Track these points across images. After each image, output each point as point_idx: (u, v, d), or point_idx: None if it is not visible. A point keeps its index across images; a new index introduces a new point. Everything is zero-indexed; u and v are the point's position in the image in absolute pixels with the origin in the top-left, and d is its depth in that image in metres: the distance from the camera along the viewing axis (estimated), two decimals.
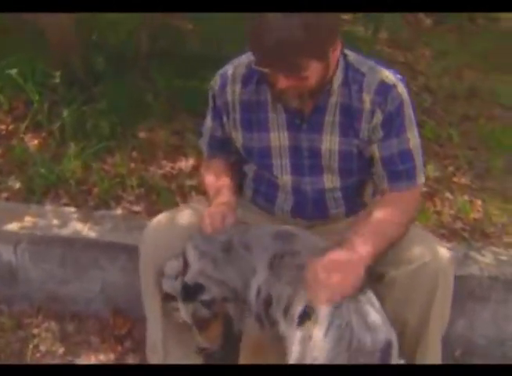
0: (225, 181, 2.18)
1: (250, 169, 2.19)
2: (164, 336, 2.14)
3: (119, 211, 2.79)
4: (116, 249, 2.54)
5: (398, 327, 1.86)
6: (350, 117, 2.01)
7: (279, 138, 2.07)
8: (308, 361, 1.69)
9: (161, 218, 2.15)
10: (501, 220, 2.85)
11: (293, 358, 1.74)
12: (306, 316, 1.76)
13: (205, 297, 1.91)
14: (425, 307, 1.97)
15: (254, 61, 1.88)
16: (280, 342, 1.86)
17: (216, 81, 2.11)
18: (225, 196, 2.11)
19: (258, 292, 1.91)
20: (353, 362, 1.67)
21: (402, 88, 2.00)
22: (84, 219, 2.62)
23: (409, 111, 2.02)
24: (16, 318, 2.54)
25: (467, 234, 2.74)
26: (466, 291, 2.41)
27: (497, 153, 3.41)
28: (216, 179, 2.19)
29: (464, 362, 2.44)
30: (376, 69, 2.01)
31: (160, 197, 2.87)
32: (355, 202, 2.18)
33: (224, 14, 3.65)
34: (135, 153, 3.17)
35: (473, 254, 2.50)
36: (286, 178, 2.10)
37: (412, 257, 1.95)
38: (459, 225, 2.78)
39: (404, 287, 1.96)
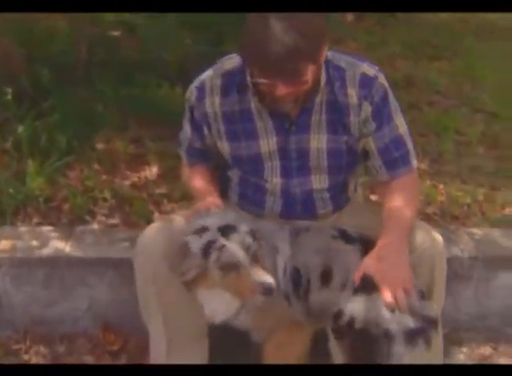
0: (210, 185, 2.20)
1: (234, 174, 2.21)
2: (167, 341, 2.12)
3: (95, 226, 2.72)
4: (102, 264, 2.50)
5: None
6: (337, 113, 2.06)
7: (268, 144, 2.09)
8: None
9: (155, 226, 2.15)
10: (466, 201, 2.97)
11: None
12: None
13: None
14: (427, 290, 2.05)
15: (254, 73, 1.88)
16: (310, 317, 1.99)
17: (192, 93, 2.11)
18: (213, 197, 2.12)
19: (285, 269, 1.98)
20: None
21: (382, 79, 2.07)
22: (64, 237, 2.56)
23: (392, 99, 2.10)
24: (3, 345, 2.45)
25: (439, 218, 2.84)
26: (450, 272, 2.50)
27: (445, 137, 3.55)
28: (201, 184, 2.20)
29: (451, 338, 2.52)
30: (354, 63, 2.07)
31: (134, 208, 2.83)
32: (341, 199, 2.25)
33: (159, 19, 3.66)
34: (97, 166, 3.10)
35: (452, 236, 2.60)
36: (275, 181, 2.13)
37: (415, 245, 2.03)
38: (430, 209, 2.88)
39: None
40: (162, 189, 3.00)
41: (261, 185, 2.15)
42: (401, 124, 2.11)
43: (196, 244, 1.87)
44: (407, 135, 2.13)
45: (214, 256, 1.85)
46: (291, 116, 2.05)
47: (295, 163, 2.11)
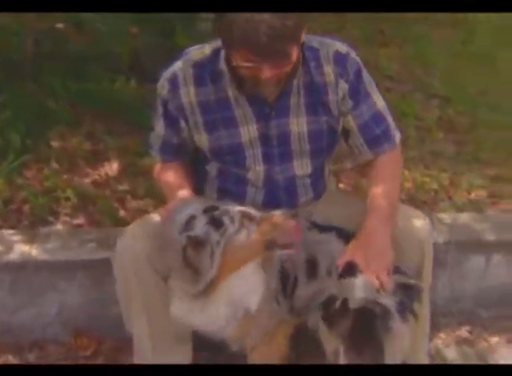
0: (184, 181, 2.12)
1: (213, 167, 2.14)
2: (152, 342, 2.06)
3: (59, 227, 2.62)
4: (71, 267, 2.40)
5: None
6: (315, 94, 2.03)
7: (248, 131, 2.03)
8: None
9: (135, 227, 2.09)
10: (432, 187, 2.99)
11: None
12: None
13: None
14: (416, 274, 2.06)
15: (238, 57, 1.82)
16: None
17: (164, 87, 2.03)
18: (186, 191, 2.06)
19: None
20: None
21: (354, 55, 2.05)
22: (28, 240, 2.44)
23: (366, 75, 2.07)
24: None
25: (408, 204, 2.84)
26: None
27: (406, 123, 3.56)
28: (175, 183, 2.12)
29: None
30: (326, 42, 2.05)
31: (98, 206, 2.73)
32: (320, 185, 2.22)
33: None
34: (55, 164, 2.98)
35: None
36: (258, 169, 2.07)
37: (402, 231, 2.02)
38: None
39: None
40: (125, 186, 2.91)
41: (242, 175, 2.09)
42: (378, 100, 2.09)
43: (194, 231, 1.79)
44: (386, 110, 2.11)
45: (226, 226, 1.80)
46: (270, 101, 2.00)
47: (276, 149, 2.07)
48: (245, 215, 1.82)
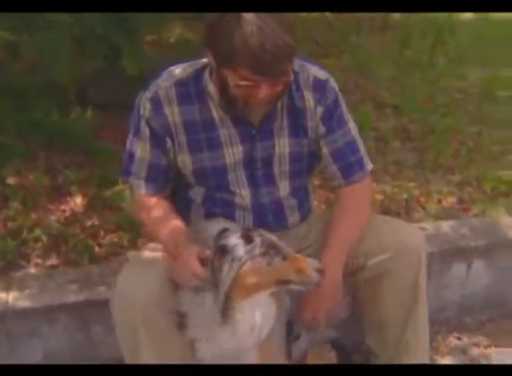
0: (176, 220, 2.00)
1: (197, 193, 2.06)
2: None
3: (32, 270, 2.49)
4: (53, 311, 2.28)
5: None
6: (297, 117, 2.00)
7: (233, 153, 1.99)
8: None
9: (138, 267, 1.97)
10: (403, 197, 3.01)
11: None
12: None
13: None
14: (415, 286, 2.11)
15: (242, 75, 1.75)
16: None
17: (146, 107, 1.95)
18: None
19: None
20: None
21: (333, 82, 2.04)
22: (4, 287, 2.30)
23: (343, 103, 2.07)
24: None
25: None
26: None
27: (363, 134, 3.56)
28: (165, 219, 2.00)
29: None
30: (305, 66, 2.02)
31: (70, 244, 2.62)
32: (306, 206, 2.19)
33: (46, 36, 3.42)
34: (16, 204, 2.84)
35: None
36: (244, 193, 2.03)
37: (391, 243, 2.05)
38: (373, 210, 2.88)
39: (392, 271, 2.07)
40: (94, 220, 2.79)
41: (228, 199, 2.04)
42: (353, 127, 2.09)
43: (226, 240, 1.77)
44: (359, 139, 2.11)
45: (256, 245, 1.76)
46: (255, 122, 1.96)
47: (260, 171, 2.03)
48: (273, 244, 1.77)
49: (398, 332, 2.18)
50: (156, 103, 1.93)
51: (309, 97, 1.98)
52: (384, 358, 2.24)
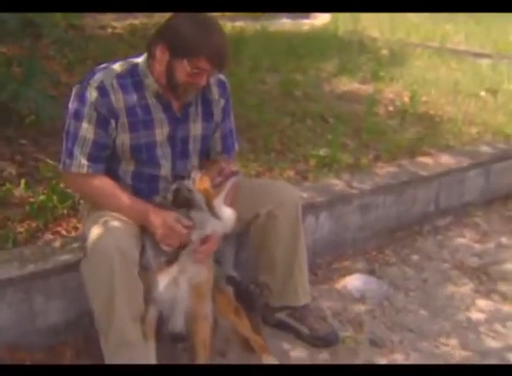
0: (125, 190, 2.50)
1: (127, 170, 2.54)
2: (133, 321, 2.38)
3: None
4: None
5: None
6: (208, 106, 2.63)
7: (162, 133, 2.52)
8: None
9: (98, 230, 2.35)
10: (252, 174, 3.69)
11: None
12: None
13: None
14: (296, 230, 2.80)
15: (197, 65, 2.32)
16: None
17: (92, 94, 2.39)
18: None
19: None
20: None
21: (227, 83, 2.71)
22: None
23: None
24: None
25: None
26: None
27: None
28: (118, 193, 2.47)
29: None
30: None
31: None
32: None
33: None
34: None
35: None
36: (167, 166, 2.56)
37: (276, 196, 2.73)
38: None
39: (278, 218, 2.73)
40: None
41: (154, 174, 2.54)
42: (233, 119, 2.78)
43: None
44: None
45: None
46: (176, 109, 2.53)
47: (179, 148, 2.57)
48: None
49: (286, 265, 2.82)
50: (103, 91, 2.40)
51: (215, 91, 2.63)
52: (274, 288, 2.87)
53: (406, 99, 5.47)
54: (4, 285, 2.55)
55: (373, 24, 9.57)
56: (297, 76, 5.87)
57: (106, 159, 2.49)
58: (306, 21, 9.96)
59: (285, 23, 9.43)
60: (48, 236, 2.91)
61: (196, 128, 2.60)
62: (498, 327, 3.04)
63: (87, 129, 2.41)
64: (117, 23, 7.90)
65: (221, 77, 2.66)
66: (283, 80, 5.61)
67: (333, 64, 6.56)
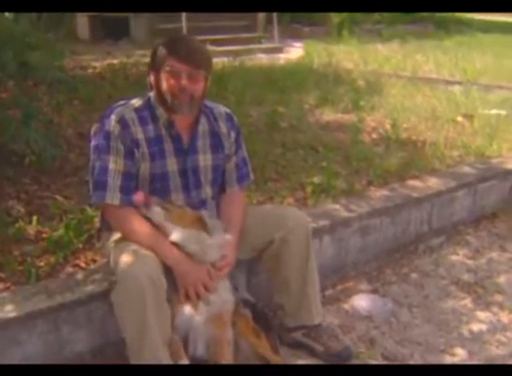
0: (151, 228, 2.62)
1: None
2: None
3: None
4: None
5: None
6: (216, 138, 2.82)
7: (172, 163, 2.70)
8: None
9: (127, 259, 2.49)
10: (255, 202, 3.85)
11: None
12: None
13: None
14: (307, 251, 2.94)
15: (172, 62, 2.55)
16: None
17: (115, 127, 2.59)
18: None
19: None
20: None
21: (234, 115, 2.90)
22: None
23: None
24: None
25: None
26: None
27: None
28: (147, 227, 2.61)
29: None
30: (216, 104, 2.88)
31: (8, 269, 2.97)
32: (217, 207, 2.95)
33: None
34: None
35: None
36: (179, 196, 2.73)
37: (288, 222, 2.87)
38: None
39: (290, 241, 2.87)
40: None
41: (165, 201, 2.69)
42: (246, 148, 2.96)
43: None
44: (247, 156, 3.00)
45: None
46: (185, 141, 2.71)
47: (191, 179, 2.74)
48: None
49: (300, 286, 2.95)
50: (124, 124, 2.60)
51: (223, 125, 2.82)
52: (288, 308, 3.00)
53: (388, 127, 5.68)
54: (34, 317, 2.65)
55: (346, 57, 9.88)
56: (281, 108, 6.08)
57: (134, 187, 2.64)
58: (281, 56, 10.24)
59: (262, 57, 9.69)
60: (69, 269, 3.02)
61: (206, 159, 2.78)
62: (500, 336, 3.19)
63: (115, 161, 2.58)
64: (96, 62, 8.07)
65: (228, 110, 2.86)
66: (267, 112, 5.81)
67: (314, 96, 6.79)
